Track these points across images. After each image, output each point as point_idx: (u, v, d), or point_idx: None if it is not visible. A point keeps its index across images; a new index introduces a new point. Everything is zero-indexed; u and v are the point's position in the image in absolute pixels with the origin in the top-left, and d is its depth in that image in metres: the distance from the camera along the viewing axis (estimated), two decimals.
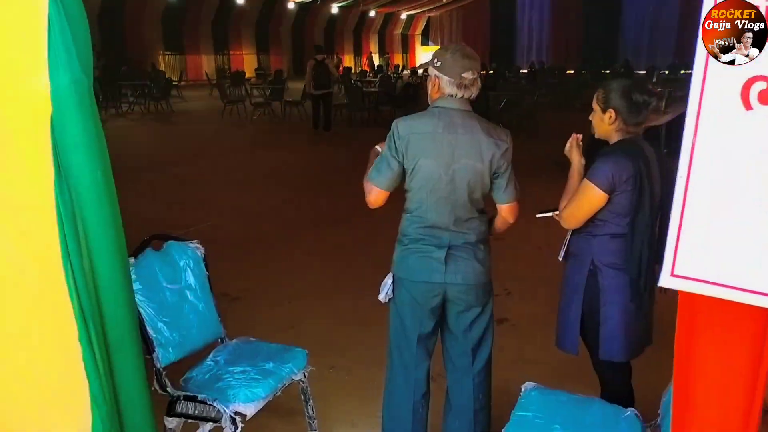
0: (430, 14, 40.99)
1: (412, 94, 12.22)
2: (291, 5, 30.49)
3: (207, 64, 27.85)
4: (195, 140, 10.91)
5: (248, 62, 29.62)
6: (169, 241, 2.41)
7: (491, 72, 18.06)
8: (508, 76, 18.93)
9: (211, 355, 2.39)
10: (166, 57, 26.61)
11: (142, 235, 2.35)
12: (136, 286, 2.16)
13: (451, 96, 2.09)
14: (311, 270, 4.77)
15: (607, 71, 20.56)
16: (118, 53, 22.77)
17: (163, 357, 2.22)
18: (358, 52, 37.26)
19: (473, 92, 2.11)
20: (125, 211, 1.81)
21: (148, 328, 2.18)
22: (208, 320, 2.41)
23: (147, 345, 2.17)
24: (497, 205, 2.22)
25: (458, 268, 2.11)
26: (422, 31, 43.18)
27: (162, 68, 25.53)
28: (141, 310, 2.16)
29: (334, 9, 32.97)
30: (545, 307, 3.71)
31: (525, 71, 25.27)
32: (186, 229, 5.41)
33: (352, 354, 3.40)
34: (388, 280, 2.21)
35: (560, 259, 2.37)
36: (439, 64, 2.10)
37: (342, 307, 4.04)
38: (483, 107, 10.38)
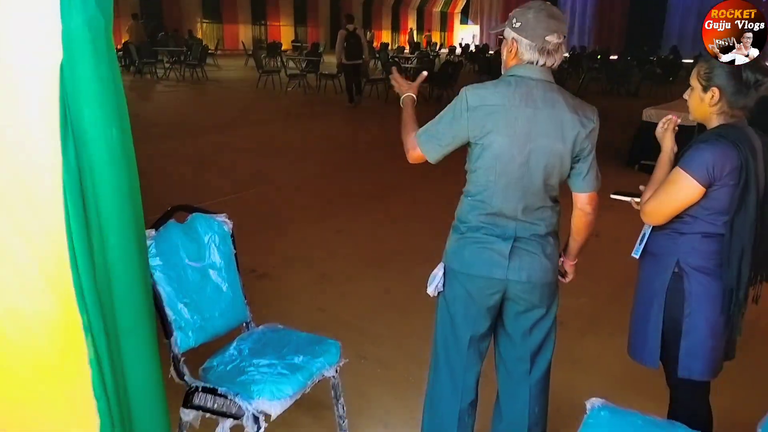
0: None
1: (451, 73, 11.80)
2: None
3: (244, 33, 27.71)
4: (228, 109, 10.74)
5: (285, 34, 29.35)
6: (195, 213, 2.16)
7: None
8: None
9: (234, 343, 2.15)
10: (204, 25, 26.49)
11: (165, 206, 2.11)
12: (155, 261, 1.93)
13: (531, 63, 1.78)
14: (343, 248, 4.52)
15: (653, 58, 19.76)
16: (156, 19, 22.74)
17: (182, 342, 1.99)
18: (396, 29, 36.63)
19: (556, 60, 1.80)
20: (148, 177, 1.54)
21: (167, 309, 1.95)
22: (233, 303, 2.17)
23: (165, 328, 1.95)
24: (574, 195, 1.91)
25: (523, 264, 1.81)
26: (462, 10, 42.20)
27: (199, 36, 25.50)
28: (159, 290, 1.93)
29: None
30: (594, 300, 3.40)
31: (566, 55, 24.51)
32: (213, 200, 5.21)
33: (388, 345, 3.14)
34: (439, 272, 1.93)
35: (635, 255, 2.06)
36: (518, 24, 1.79)
37: (376, 291, 3.78)
38: None
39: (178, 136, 8.05)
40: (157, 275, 1.93)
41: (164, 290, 1.95)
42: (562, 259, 2.03)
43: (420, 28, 38.60)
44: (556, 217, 1.90)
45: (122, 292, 1.53)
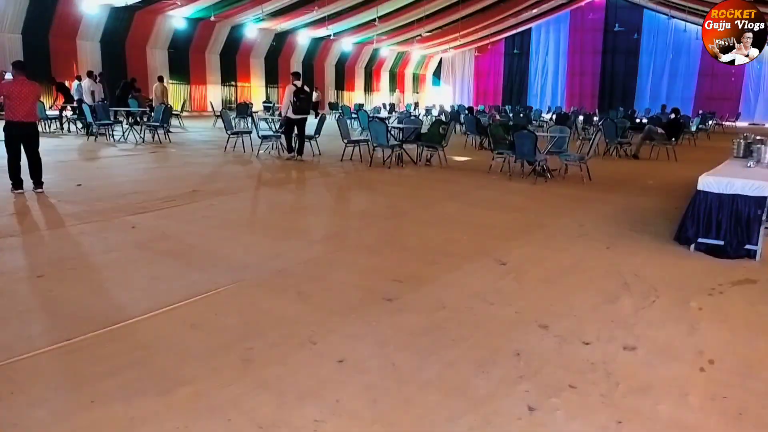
0: (443, 54, 40.13)
1: (442, 133, 10.67)
2: (303, 40, 29.50)
3: (213, 94, 26.69)
4: (189, 177, 9.23)
5: (256, 94, 28.44)
6: None
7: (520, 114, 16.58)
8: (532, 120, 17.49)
9: None
10: (170, 86, 25.38)
11: None
12: None
13: None
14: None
15: (640, 119, 19.27)
16: (118, 79, 21.54)
17: None
18: (368, 89, 36.19)
19: None
20: None
21: None
22: None
23: None
24: None
25: None
26: (435, 71, 42.27)
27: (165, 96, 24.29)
28: None
29: (347, 45, 31.97)
30: None
31: (553, 116, 24.16)
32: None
33: None
34: None
35: None
36: None
37: None
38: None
39: (109, 214, 6.52)
40: None
41: None
42: None
43: (392, 89, 38.33)
44: None
45: None
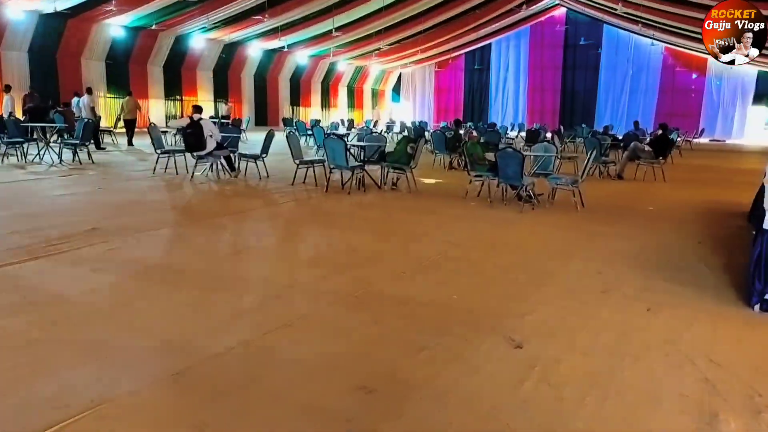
0: (402, 69, 38.98)
1: (411, 153, 9.16)
2: (255, 52, 27.77)
3: (156, 109, 24.60)
4: (93, 210, 7.38)
5: (204, 109, 26.46)
6: None
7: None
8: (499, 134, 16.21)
9: None
10: (107, 100, 23.23)
11: None
12: None
13: None
14: None
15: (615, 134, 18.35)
16: (49, 92, 19.35)
17: None
18: (325, 105, 34.62)
19: None
20: None
21: None
22: None
23: None
24: None
25: None
26: (394, 87, 41.07)
27: (100, 112, 22.14)
28: None
29: (303, 59, 30.38)
30: None
31: (522, 133, 23.22)
32: None
33: None
34: None
35: None
36: None
37: None
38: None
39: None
40: None
41: None
42: None
43: (351, 105, 36.90)
44: None
45: None
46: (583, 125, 27.34)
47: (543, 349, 3.34)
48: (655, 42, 27.95)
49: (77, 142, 11.84)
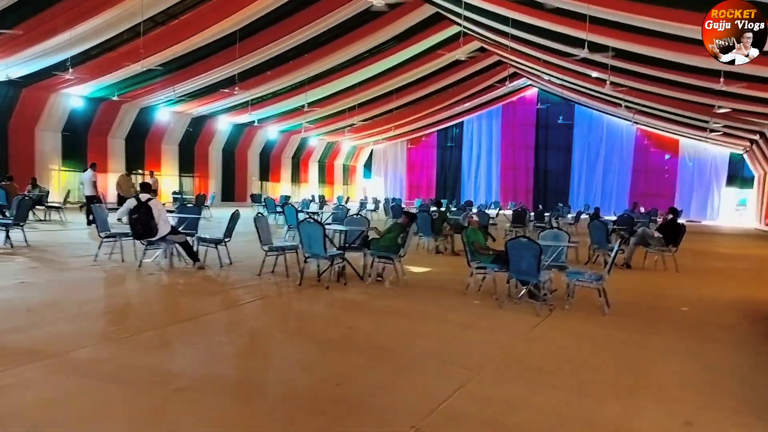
0: (374, 146, 38.55)
1: (401, 243, 7.85)
2: (224, 125, 26.82)
3: (115, 183, 23.03)
4: (16, 312, 5.82)
5: (169, 184, 25.04)
6: None
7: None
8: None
9: None
10: (63, 173, 21.65)
11: None
12: None
13: None
14: None
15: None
16: None
17: None
18: (296, 180, 33.57)
19: None
20: None
21: None
22: None
23: None
24: None
25: None
26: (365, 163, 40.49)
27: (52, 186, 20.52)
28: None
29: (273, 133, 29.55)
30: None
31: (509, 211, 22.36)
32: None
33: None
34: None
35: None
36: None
37: None
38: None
39: None
40: None
41: None
42: None
43: (321, 181, 35.97)
44: None
45: None
46: (560, 204, 26.83)
47: None
48: (637, 123, 27.98)
49: (9, 221, 10.22)
